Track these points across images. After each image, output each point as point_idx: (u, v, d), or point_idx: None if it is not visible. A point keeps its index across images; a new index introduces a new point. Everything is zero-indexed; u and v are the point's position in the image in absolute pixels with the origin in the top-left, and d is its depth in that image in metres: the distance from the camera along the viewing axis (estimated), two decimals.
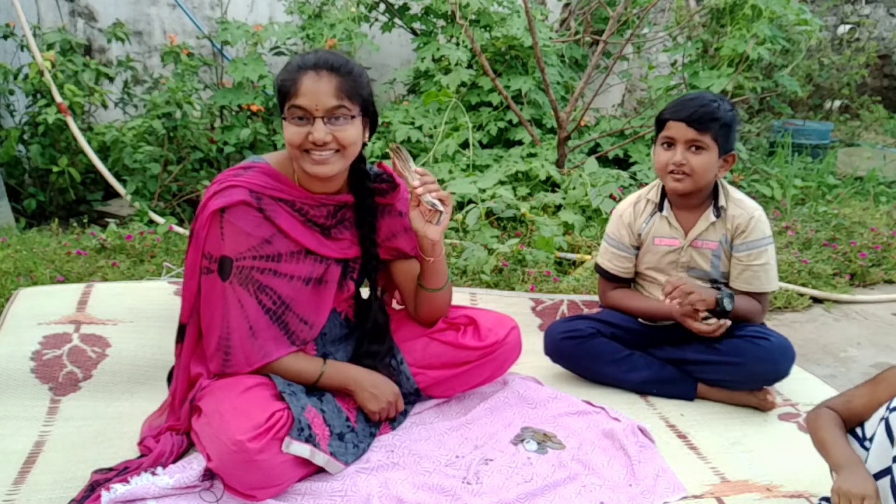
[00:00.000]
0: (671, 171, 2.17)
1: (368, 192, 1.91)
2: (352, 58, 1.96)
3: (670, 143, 2.17)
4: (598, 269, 2.42)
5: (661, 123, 2.20)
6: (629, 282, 2.40)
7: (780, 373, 2.18)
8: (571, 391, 2.22)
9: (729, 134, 2.17)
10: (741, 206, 2.23)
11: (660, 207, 2.29)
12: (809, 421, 1.59)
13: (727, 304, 2.11)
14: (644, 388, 2.28)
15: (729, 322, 2.13)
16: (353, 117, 1.74)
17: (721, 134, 2.14)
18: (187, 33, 5.03)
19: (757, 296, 2.23)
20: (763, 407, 2.20)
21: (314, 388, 1.84)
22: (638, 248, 2.34)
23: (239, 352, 1.76)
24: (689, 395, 2.25)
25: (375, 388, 1.89)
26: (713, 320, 2.12)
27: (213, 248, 1.74)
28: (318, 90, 1.68)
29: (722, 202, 2.23)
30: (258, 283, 1.77)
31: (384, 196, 1.94)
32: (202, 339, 1.81)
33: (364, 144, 1.83)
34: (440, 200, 1.83)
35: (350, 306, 2.01)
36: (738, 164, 4.86)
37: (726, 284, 2.26)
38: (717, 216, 2.22)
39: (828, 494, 1.62)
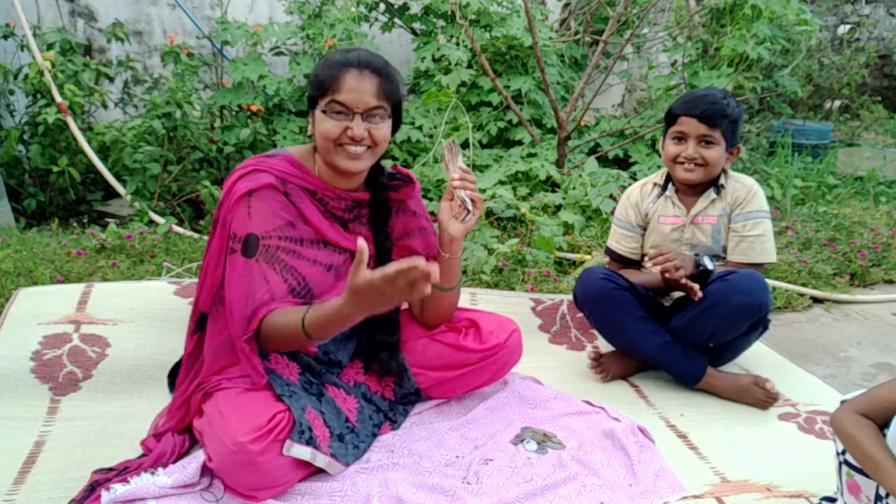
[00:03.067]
0: (681, 163, 2.29)
1: (382, 187, 1.93)
2: None
3: (681, 138, 2.29)
4: (608, 251, 2.55)
5: (672, 117, 2.31)
6: (636, 265, 2.50)
7: (758, 302, 2.16)
8: (571, 391, 2.22)
9: (735, 129, 2.30)
10: (740, 181, 2.36)
11: (663, 189, 2.42)
12: (840, 426, 1.47)
13: (707, 263, 2.21)
14: (660, 355, 2.28)
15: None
16: (389, 117, 1.79)
17: (728, 129, 2.26)
18: (187, 33, 5.02)
19: (754, 268, 2.28)
20: (764, 404, 2.20)
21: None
22: (644, 229, 2.46)
23: (262, 312, 1.68)
24: (698, 372, 2.25)
25: (367, 298, 1.50)
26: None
27: (239, 227, 1.73)
28: (360, 89, 1.72)
29: (721, 181, 2.36)
30: (284, 263, 1.75)
31: (398, 192, 1.95)
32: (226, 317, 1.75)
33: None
34: (472, 201, 1.86)
35: None
36: (738, 164, 4.86)
37: (726, 259, 2.36)
38: (717, 194, 2.35)
39: (828, 494, 1.63)
